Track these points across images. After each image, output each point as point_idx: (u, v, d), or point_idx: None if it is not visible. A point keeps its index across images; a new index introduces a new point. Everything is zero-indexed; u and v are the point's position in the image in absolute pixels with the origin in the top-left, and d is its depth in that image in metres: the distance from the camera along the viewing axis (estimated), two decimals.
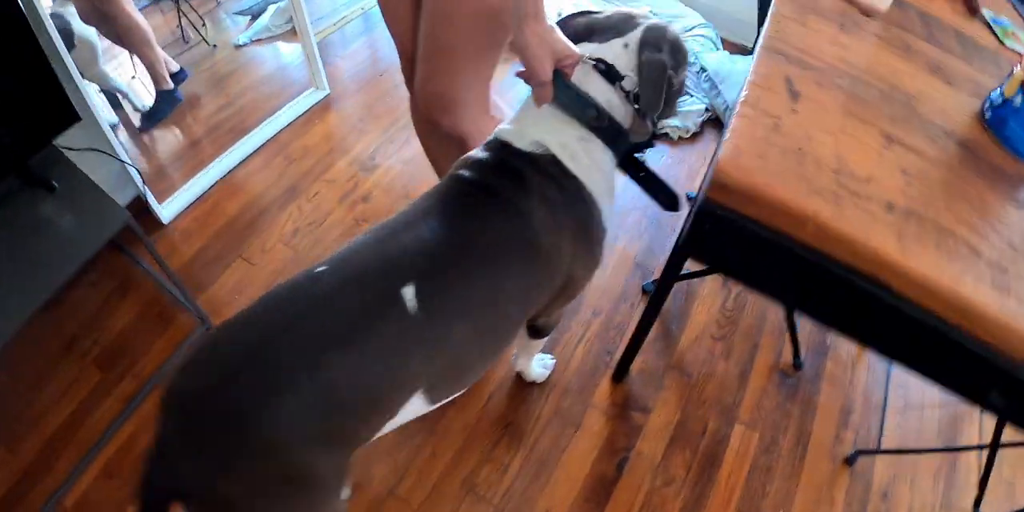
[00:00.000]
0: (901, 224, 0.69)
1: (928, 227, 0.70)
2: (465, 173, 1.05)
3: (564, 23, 1.13)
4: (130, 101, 1.96)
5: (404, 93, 2.49)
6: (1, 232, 1.45)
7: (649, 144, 1.11)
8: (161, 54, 2.08)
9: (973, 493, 1.62)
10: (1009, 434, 1.44)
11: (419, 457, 1.56)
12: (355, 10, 2.95)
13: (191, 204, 2.10)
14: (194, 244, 1.99)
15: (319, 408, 0.84)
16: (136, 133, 2.03)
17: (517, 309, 1.06)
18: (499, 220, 1.00)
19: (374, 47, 2.79)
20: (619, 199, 1.30)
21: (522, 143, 1.05)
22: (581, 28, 1.12)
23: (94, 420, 1.61)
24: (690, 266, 1.13)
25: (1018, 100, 0.84)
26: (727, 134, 0.78)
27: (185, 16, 2.14)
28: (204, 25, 2.26)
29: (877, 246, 0.67)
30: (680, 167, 2.35)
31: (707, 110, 2.52)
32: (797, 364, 1.84)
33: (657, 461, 1.61)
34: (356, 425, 0.91)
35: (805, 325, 1.89)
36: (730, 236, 0.75)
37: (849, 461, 1.68)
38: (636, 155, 1.11)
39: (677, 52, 1.03)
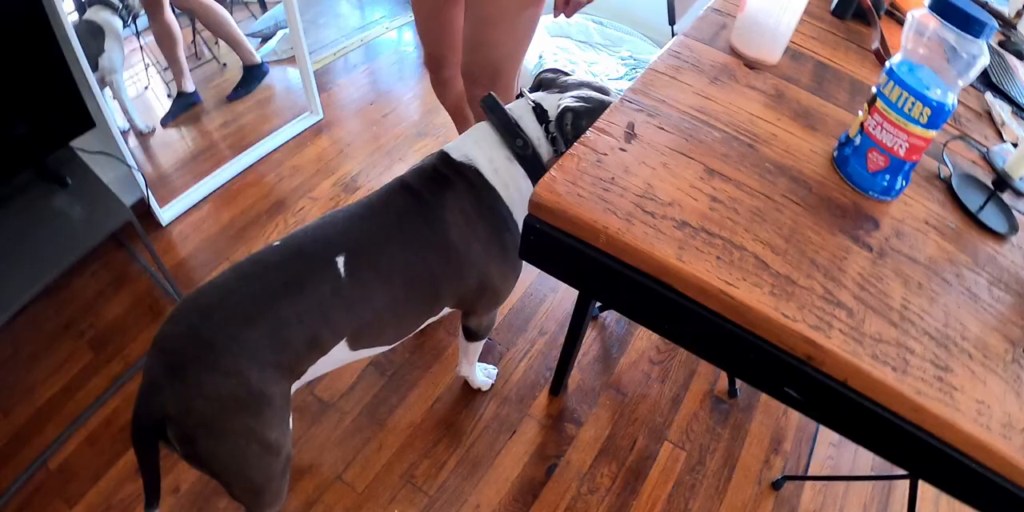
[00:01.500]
0: (687, 239, 0.81)
1: (716, 242, 0.82)
2: (406, 175, 1.30)
3: (539, 74, 1.41)
4: (131, 119, 2.12)
5: (389, 121, 2.71)
6: (15, 219, 1.62)
7: None
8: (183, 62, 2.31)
9: None
10: None
11: (367, 448, 1.72)
12: (355, 41, 3.18)
13: (189, 209, 2.28)
14: (188, 246, 2.16)
15: (273, 342, 1.09)
16: (145, 139, 2.20)
17: (428, 290, 1.28)
18: (419, 215, 1.24)
19: (372, 77, 3.00)
20: None
21: (456, 154, 1.28)
22: (544, 81, 1.39)
23: (83, 394, 1.78)
24: None
25: (858, 140, 0.95)
26: (554, 166, 0.90)
27: (199, 34, 2.33)
28: (216, 44, 2.44)
29: (656, 255, 0.79)
30: None
31: None
32: (732, 392, 1.94)
33: (584, 470, 1.74)
34: (299, 359, 1.15)
35: None
36: (549, 245, 0.89)
37: (775, 486, 1.75)
38: None
39: (593, 112, 1.22)
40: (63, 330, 1.92)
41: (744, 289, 0.80)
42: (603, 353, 2.00)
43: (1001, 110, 1.28)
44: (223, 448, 1.10)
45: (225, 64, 2.53)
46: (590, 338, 2.03)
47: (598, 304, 2.09)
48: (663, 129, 1.01)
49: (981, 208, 1.02)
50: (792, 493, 1.77)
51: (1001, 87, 1.34)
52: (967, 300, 0.89)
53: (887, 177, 0.97)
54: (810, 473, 1.83)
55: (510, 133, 1.27)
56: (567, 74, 1.41)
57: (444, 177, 1.26)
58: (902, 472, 1.65)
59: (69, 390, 1.79)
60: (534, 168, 1.28)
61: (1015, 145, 1.19)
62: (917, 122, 0.89)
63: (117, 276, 2.08)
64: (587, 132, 0.97)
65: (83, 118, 1.71)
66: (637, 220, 0.85)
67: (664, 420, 1.87)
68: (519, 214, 1.31)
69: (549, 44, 2.94)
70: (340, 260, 1.15)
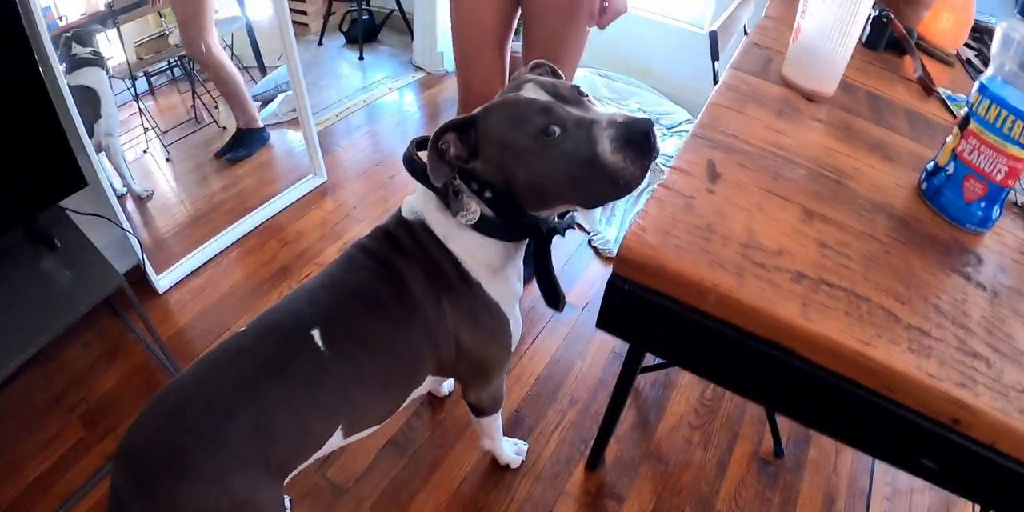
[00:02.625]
0: (808, 293, 0.70)
1: (839, 294, 0.72)
2: (364, 237, 1.17)
3: None
4: (127, 182, 2.04)
5: (396, 183, 2.61)
6: (1, 283, 1.51)
7: (553, 232, 1.09)
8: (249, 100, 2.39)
9: None
10: None
11: None
12: (358, 102, 3.13)
13: (187, 276, 2.15)
14: (186, 315, 2.03)
15: (257, 436, 0.95)
16: (142, 204, 2.11)
17: (409, 354, 1.14)
18: (380, 278, 1.10)
19: (375, 138, 2.93)
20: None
21: (406, 211, 1.14)
22: None
23: (73, 474, 1.63)
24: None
25: (951, 168, 0.87)
26: (639, 215, 0.80)
27: (199, 98, 2.26)
28: (216, 107, 2.38)
29: (779, 314, 0.68)
30: None
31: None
32: (778, 452, 1.82)
33: None
34: (292, 453, 1.02)
35: None
36: (640, 309, 0.75)
37: None
38: (552, 240, 1.11)
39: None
40: (54, 403, 1.78)
41: (882, 348, 0.68)
42: (640, 420, 1.86)
43: None
44: None
45: (224, 128, 2.47)
46: (625, 405, 1.88)
47: None
48: (745, 167, 0.92)
49: None
50: None
51: None
52: None
53: (983, 206, 0.88)
54: None
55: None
56: None
57: (396, 237, 1.13)
58: None
59: (59, 468, 1.64)
60: (485, 225, 1.08)
61: None
62: (1017, 143, 0.81)
63: (111, 346, 1.93)
64: (664, 175, 0.87)
65: (75, 177, 1.62)
66: (749, 274, 0.73)
67: (711, 488, 1.72)
68: (481, 275, 1.14)
69: None
70: (316, 333, 1.04)
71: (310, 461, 1.10)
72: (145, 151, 2.12)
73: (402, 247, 1.12)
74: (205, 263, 2.21)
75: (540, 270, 1.12)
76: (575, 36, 1.76)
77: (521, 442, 1.73)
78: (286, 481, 1.06)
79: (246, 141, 2.48)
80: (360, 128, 2.99)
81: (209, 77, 2.27)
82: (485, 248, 1.10)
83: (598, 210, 2.44)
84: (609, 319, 0.81)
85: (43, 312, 1.48)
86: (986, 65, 1.03)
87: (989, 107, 0.82)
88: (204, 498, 0.90)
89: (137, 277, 2.04)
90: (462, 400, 1.65)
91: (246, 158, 2.48)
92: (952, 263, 0.84)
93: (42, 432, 1.71)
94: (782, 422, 1.86)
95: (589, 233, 2.41)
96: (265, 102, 2.80)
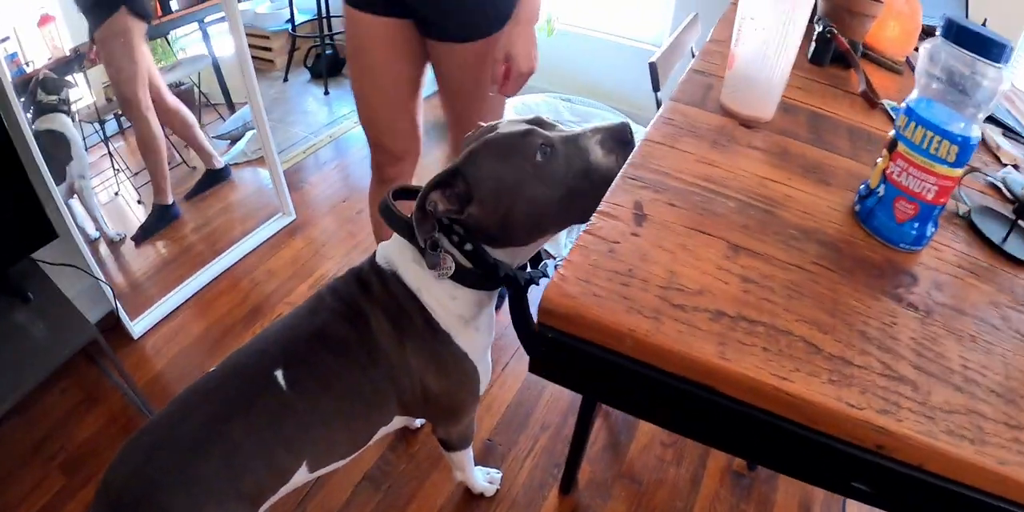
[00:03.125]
0: (727, 331, 0.72)
1: (759, 330, 0.74)
2: (336, 280, 1.23)
3: None
4: (100, 226, 2.07)
5: (364, 218, 2.67)
6: None
7: (530, 283, 1.12)
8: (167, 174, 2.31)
9: None
10: None
11: None
12: (324, 138, 3.19)
13: (161, 320, 2.19)
14: (162, 359, 2.06)
15: (229, 470, 1.01)
16: (116, 247, 2.15)
17: (372, 398, 1.18)
18: (346, 321, 1.14)
19: (343, 172, 2.98)
20: None
21: (380, 259, 1.18)
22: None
23: None
24: None
25: (881, 190, 0.90)
26: (562, 263, 0.81)
27: (169, 138, 2.30)
28: (186, 147, 2.43)
29: (695, 355, 0.70)
30: None
31: None
32: (751, 465, 1.85)
33: None
34: (260, 486, 1.08)
35: None
36: (567, 355, 0.79)
37: None
38: (528, 290, 1.12)
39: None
40: (33, 452, 1.81)
41: (800, 382, 0.71)
42: (611, 441, 1.90)
43: (992, 133, 1.26)
44: None
45: (195, 167, 2.52)
46: (596, 426, 1.92)
47: None
48: (674, 205, 0.93)
49: (1005, 239, 0.96)
50: None
51: (1013, 127, 1.32)
52: (1020, 344, 0.81)
53: (916, 225, 0.91)
54: None
55: (407, 232, 1.12)
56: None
57: (367, 282, 1.18)
58: None
59: None
60: (465, 274, 1.11)
61: (1016, 167, 1.16)
62: (944, 162, 0.84)
63: (88, 394, 1.97)
64: (592, 219, 0.88)
65: (45, 229, 1.67)
66: (666, 317, 0.75)
67: (685, 505, 1.76)
68: (452, 326, 1.17)
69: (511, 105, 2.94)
70: (279, 373, 1.09)
71: (280, 494, 1.14)
72: (116, 193, 2.16)
73: (371, 292, 1.15)
74: (178, 306, 2.25)
75: (517, 319, 1.08)
76: (492, 107, 1.70)
77: (494, 471, 1.77)
78: (261, 511, 1.11)
79: (206, 181, 2.53)
80: (328, 163, 3.04)
81: (166, 125, 2.30)
82: (459, 299, 1.14)
83: (563, 235, 2.49)
84: (542, 366, 0.83)
85: (19, 365, 1.52)
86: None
87: (915, 129, 0.85)
88: None
89: (112, 323, 2.07)
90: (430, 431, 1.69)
91: (200, 193, 2.52)
92: (883, 286, 0.86)
93: (23, 482, 1.73)
94: None
95: (555, 258, 2.46)
96: (234, 140, 2.85)
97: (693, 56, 1.79)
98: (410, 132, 1.76)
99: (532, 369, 0.84)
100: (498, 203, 1.02)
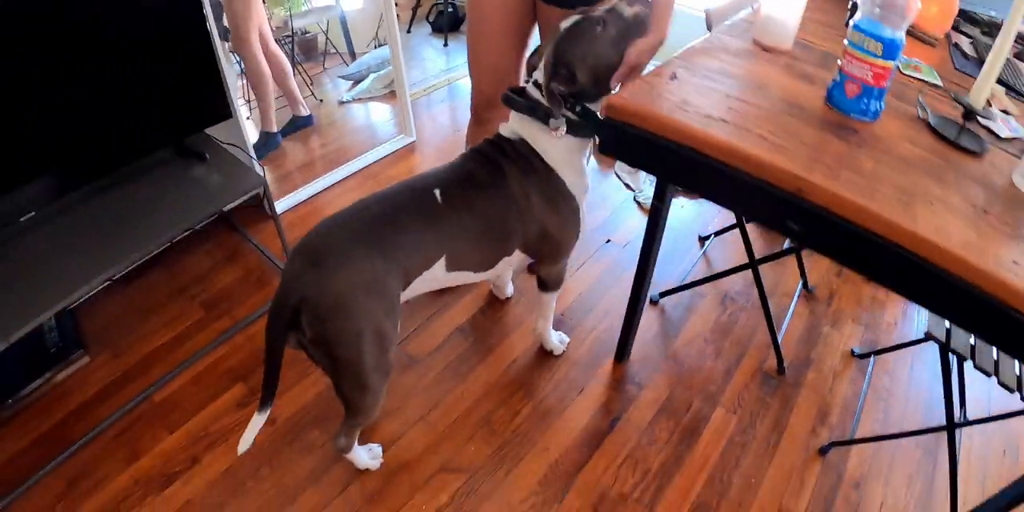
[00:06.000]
0: (709, 121, 1.17)
1: (728, 127, 1.17)
2: (477, 146, 1.60)
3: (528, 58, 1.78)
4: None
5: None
6: (156, 186, 1.93)
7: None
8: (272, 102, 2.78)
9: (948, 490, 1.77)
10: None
11: (449, 396, 1.93)
12: (442, 81, 3.56)
13: (295, 206, 2.61)
14: (296, 233, 2.45)
15: (394, 242, 1.37)
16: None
17: (500, 229, 1.55)
18: (488, 173, 1.53)
19: (456, 112, 3.33)
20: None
21: (506, 132, 1.58)
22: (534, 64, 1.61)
23: (191, 343, 2.05)
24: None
25: (838, 77, 1.27)
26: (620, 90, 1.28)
27: (300, 74, 2.75)
28: (311, 84, 2.94)
29: (708, 135, 1.14)
30: (696, 215, 2.75)
31: None
32: (780, 369, 2.08)
33: (644, 426, 1.90)
34: (411, 261, 1.41)
35: (790, 340, 2.20)
36: (626, 137, 1.23)
37: (823, 451, 1.87)
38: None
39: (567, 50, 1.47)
40: (177, 294, 2.21)
41: (749, 144, 1.13)
42: (663, 331, 2.19)
43: (998, 92, 1.52)
44: (349, 328, 1.32)
45: (321, 100, 3.12)
46: (651, 319, 2.23)
47: (659, 291, 2.29)
48: (695, 75, 1.35)
49: (959, 135, 1.27)
50: (839, 459, 1.88)
51: (1016, 88, 1.56)
52: (936, 179, 1.14)
53: (864, 100, 1.25)
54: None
55: (530, 110, 1.50)
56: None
57: (502, 147, 1.56)
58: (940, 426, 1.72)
59: (179, 340, 2.06)
60: (577, 127, 1.50)
61: (1005, 111, 1.42)
62: (875, 54, 1.19)
63: (229, 254, 2.37)
64: (645, 73, 1.34)
65: (223, 109, 2.02)
66: (679, 110, 1.20)
67: (717, 389, 2.02)
68: (567, 174, 1.57)
69: None
70: (437, 191, 1.45)
71: (423, 280, 1.47)
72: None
73: (505, 152, 1.55)
74: (311, 197, 2.67)
75: (596, 127, 1.51)
76: None
77: (564, 335, 2.11)
78: (408, 291, 1.46)
79: (293, 125, 3.00)
80: (443, 103, 3.40)
81: (251, 69, 2.71)
82: (571, 150, 1.55)
83: (642, 173, 2.80)
84: (607, 145, 1.31)
85: (200, 203, 1.88)
86: (977, 52, 1.58)
87: (861, 37, 1.20)
88: (357, 273, 1.31)
89: (258, 202, 2.49)
90: (520, 301, 2.03)
91: (292, 133, 2.98)
92: (831, 128, 1.23)
93: (166, 313, 2.15)
94: (786, 346, 2.16)
95: (635, 191, 2.78)
96: (356, 81, 3.33)
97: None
98: (508, 81, 1.91)
99: (602, 150, 1.27)
100: (594, 68, 1.43)
